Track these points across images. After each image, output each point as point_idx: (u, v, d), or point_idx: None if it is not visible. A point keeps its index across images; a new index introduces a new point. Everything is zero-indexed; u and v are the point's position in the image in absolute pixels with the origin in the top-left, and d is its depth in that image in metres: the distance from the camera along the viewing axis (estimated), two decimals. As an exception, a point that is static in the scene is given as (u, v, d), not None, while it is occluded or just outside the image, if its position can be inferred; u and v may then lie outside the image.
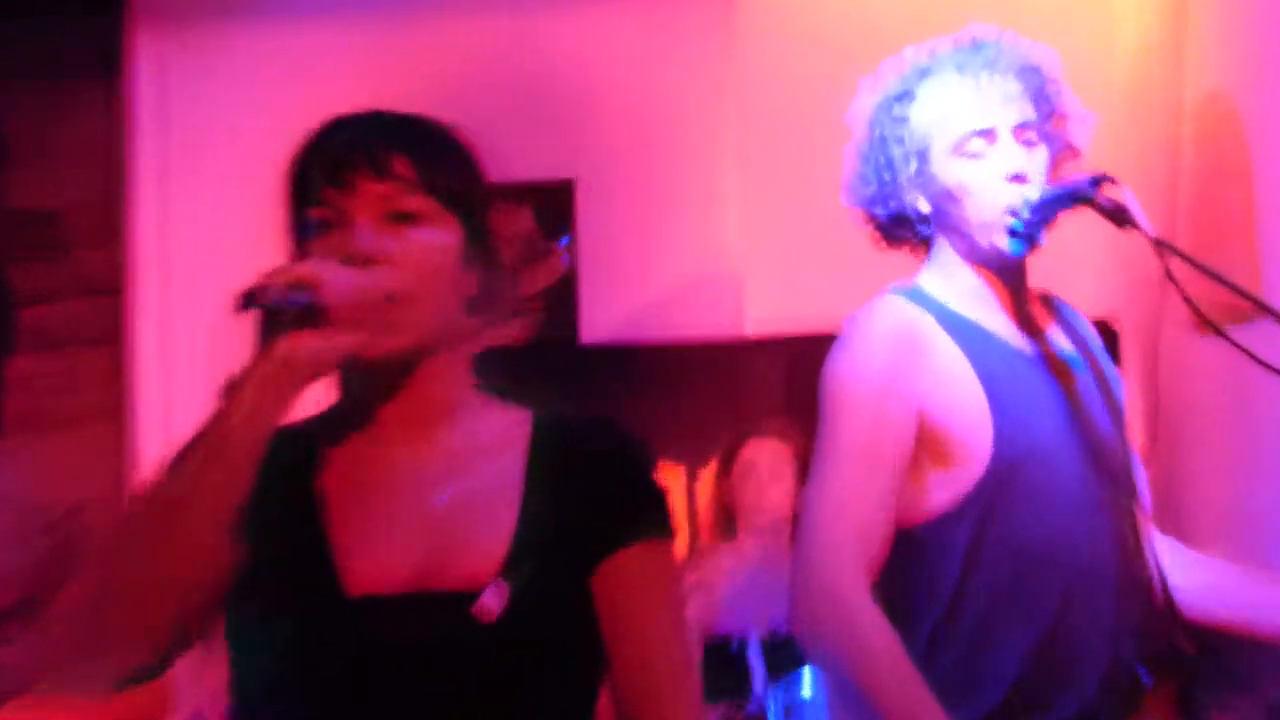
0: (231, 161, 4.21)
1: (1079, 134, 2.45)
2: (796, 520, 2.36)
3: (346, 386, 1.74)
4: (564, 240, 4.48)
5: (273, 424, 1.56)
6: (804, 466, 3.47)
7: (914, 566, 2.30)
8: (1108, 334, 4.02)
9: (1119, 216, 2.22)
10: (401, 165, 1.67)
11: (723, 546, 4.23)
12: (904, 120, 2.38)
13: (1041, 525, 2.28)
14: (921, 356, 2.28)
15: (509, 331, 1.80)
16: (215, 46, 4.29)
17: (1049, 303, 2.52)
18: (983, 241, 2.32)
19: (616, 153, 4.48)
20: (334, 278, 1.57)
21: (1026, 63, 2.39)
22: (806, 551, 2.24)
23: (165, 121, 4.33)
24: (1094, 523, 2.33)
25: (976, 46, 2.39)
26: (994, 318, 2.37)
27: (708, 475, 4.35)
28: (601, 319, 4.43)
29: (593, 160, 4.47)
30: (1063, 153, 2.42)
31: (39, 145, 4.41)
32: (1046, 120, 2.40)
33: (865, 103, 2.46)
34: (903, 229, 2.44)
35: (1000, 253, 2.32)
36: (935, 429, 2.28)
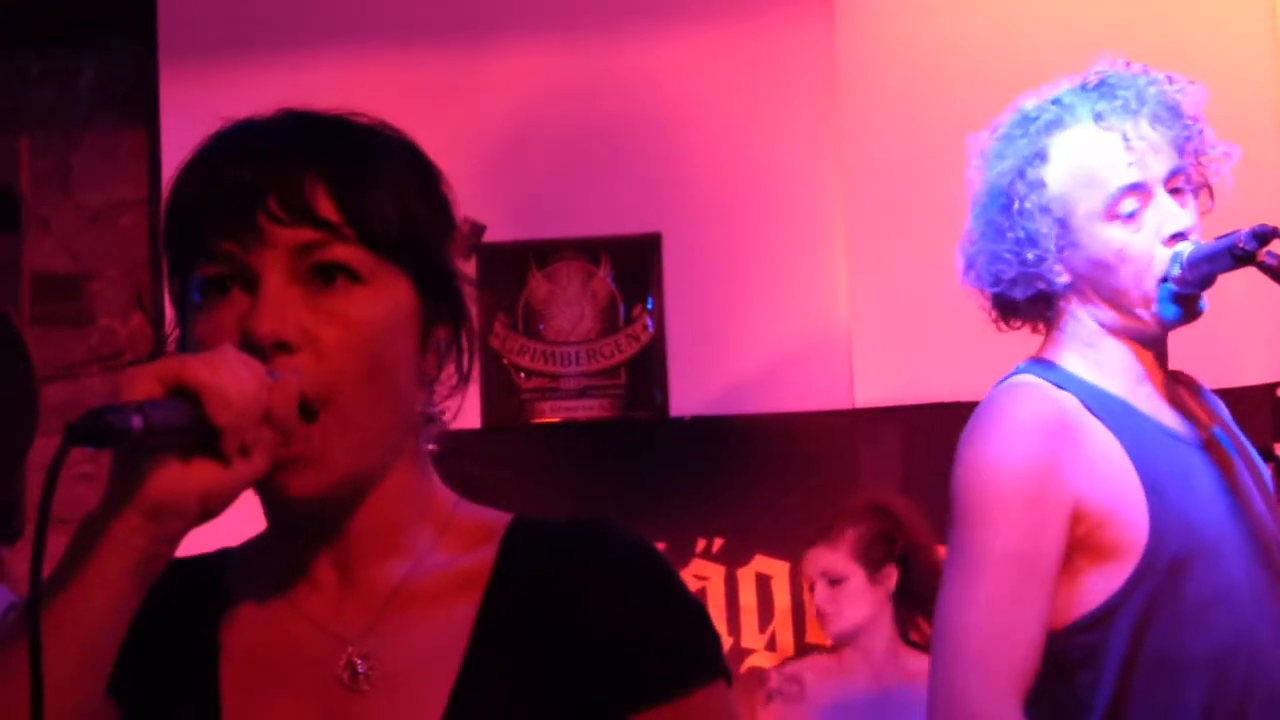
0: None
1: (1218, 172, 2.29)
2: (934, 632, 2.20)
3: (269, 514, 1.35)
4: (648, 302, 4.23)
5: (138, 594, 1.19)
6: (875, 564, 3.57)
7: (1064, 679, 2.16)
8: (1275, 403, 3.72)
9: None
10: (325, 201, 1.25)
11: (822, 656, 3.85)
12: (1040, 185, 2.21)
13: (1210, 632, 2.14)
14: (1074, 445, 2.15)
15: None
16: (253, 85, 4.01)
17: (1183, 380, 2.39)
18: (1142, 313, 2.20)
19: (707, 204, 4.28)
20: (226, 379, 1.15)
21: (1167, 101, 2.24)
22: (950, 674, 2.11)
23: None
24: (1270, 624, 2.19)
25: (1109, 89, 2.23)
26: (1145, 397, 2.25)
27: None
28: (692, 389, 4.22)
29: (680, 212, 4.26)
30: (1200, 197, 2.28)
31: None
32: (1193, 163, 2.26)
33: (991, 171, 2.27)
34: (1036, 307, 2.28)
35: (1158, 323, 2.21)
36: (1091, 523, 2.14)
